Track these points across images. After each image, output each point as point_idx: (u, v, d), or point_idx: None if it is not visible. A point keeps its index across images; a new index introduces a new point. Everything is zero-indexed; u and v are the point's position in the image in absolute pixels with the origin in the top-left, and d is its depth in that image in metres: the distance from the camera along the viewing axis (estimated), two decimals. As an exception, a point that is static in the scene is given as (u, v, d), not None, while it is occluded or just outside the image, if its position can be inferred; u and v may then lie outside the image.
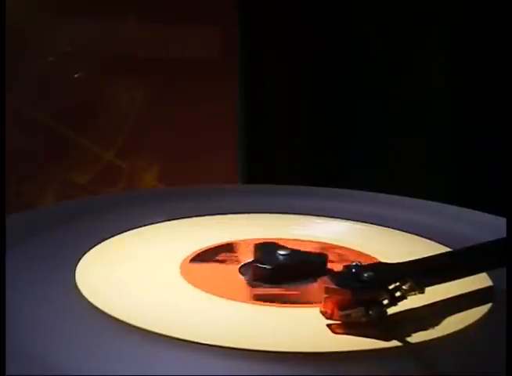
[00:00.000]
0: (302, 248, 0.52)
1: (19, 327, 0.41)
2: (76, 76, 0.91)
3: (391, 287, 0.42)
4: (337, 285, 0.42)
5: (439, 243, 0.56)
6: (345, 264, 0.44)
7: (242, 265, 0.51)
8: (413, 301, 0.43)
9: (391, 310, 0.42)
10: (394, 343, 0.41)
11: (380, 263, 0.46)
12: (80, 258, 0.51)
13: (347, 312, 0.42)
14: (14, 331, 0.40)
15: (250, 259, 0.51)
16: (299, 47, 0.97)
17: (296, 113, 0.99)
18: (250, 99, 0.98)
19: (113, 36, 0.92)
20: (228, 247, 0.54)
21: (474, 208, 0.64)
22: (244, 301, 0.46)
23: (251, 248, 0.52)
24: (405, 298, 0.42)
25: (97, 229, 0.57)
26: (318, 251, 0.53)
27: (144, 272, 0.50)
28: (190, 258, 0.52)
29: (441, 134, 0.95)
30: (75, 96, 0.91)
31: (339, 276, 0.43)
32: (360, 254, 0.54)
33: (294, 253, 0.50)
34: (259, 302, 0.46)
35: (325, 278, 0.43)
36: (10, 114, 0.75)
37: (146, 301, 0.46)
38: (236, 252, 0.53)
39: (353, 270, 0.43)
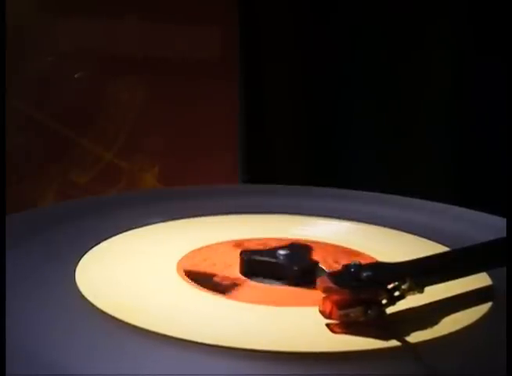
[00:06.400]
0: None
1: (19, 327, 0.41)
2: (76, 76, 0.91)
3: (389, 286, 0.42)
4: (335, 284, 0.42)
5: (439, 243, 0.56)
6: (344, 264, 0.44)
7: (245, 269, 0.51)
8: (412, 301, 0.43)
9: (389, 310, 0.42)
10: (393, 343, 0.41)
11: (379, 263, 0.46)
12: (80, 258, 0.51)
13: (346, 311, 0.42)
14: (14, 331, 0.40)
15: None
16: (299, 47, 0.97)
17: (296, 114, 0.99)
18: (250, 99, 0.98)
19: (113, 36, 0.92)
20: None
21: (474, 208, 0.64)
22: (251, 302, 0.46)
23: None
24: (404, 297, 0.42)
25: (97, 229, 0.57)
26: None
27: (144, 272, 0.50)
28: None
29: (441, 134, 0.95)
30: (75, 96, 0.91)
31: (338, 275, 0.43)
32: (360, 254, 0.54)
33: (293, 250, 0.51)
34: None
35: (324, 277, 0.43)
36: (10, 114, 0.75)
37: (146, 301, 0.46)
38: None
39: (352, 270, 0.43)
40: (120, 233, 0.56)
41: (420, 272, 0.43)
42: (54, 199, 0.92)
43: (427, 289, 0.43)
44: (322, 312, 0.43)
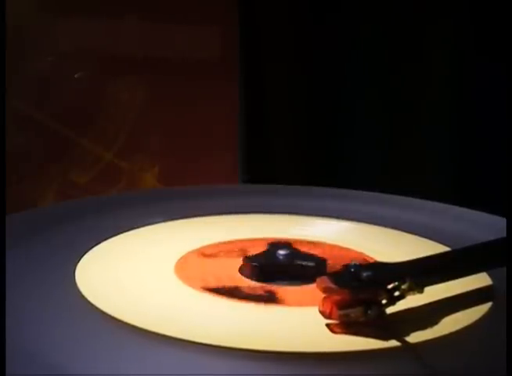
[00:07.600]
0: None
1: (19, 327, 0.41)
2: (76, 76, 0.91)
3: (389, 286, 0.42)
4: (335, 285, 0.42)
5: (439, 243, 0.56)
6: (344, 264, 0.44)
7: (251, 268, 0.50)
8: (412, 301, 0.43)
9: (389, 310, 0.42)
10: (393, 343, 0.41)
11: (379, 263, 0.46)
12: (80, 258, 0.51)
13: (346, 311, 0.42)
14: (14, 331, 0.40)
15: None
16: (299, 47, 0.97)
17: (296, 114, 0.99)
18: (250, 99, 0.98)
19: (113, 36, 0.92)
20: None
21: (474, 208, 0.64)
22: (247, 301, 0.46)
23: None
24: (404, 297, 0.42)
25: (97, 229, 0.57)
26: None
27: (144, 272, 0.50)
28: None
29: (441, 134, 0.95)
30: (75, 96, 0.91)
31: (338, 275, 0.43)
32: (359, 254, 0.54)
33: (292, 250, 0.51)
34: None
35: (324, 277, 0.43)
36: (10, 114, 0.75)
37: (146, 301, 0.46)
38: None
39: (352, 270, 0.43)
40: (121, 233, 0.56)
41: (420, 272, 0.43)
42: (54, 199, 0.92)
43: (427, 289, 0.43)
44: (322, 313, 0.43)
